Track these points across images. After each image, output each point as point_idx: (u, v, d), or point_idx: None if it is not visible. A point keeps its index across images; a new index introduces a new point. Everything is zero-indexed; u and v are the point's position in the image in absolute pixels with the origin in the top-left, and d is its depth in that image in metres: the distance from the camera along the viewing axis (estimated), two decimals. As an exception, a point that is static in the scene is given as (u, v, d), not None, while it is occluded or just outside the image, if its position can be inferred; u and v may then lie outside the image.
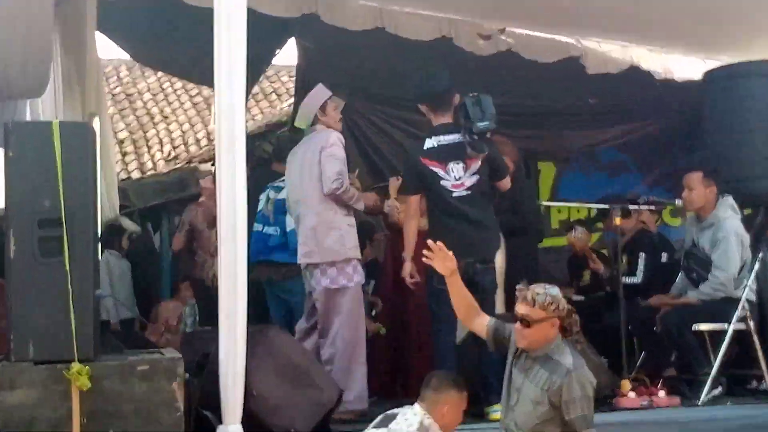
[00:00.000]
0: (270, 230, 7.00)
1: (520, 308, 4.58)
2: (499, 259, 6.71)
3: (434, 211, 6.12)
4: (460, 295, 4.88)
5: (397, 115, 8.79)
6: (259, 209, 7.13)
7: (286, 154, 6.68)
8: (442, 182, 6.00)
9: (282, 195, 6.87)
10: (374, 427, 4.74)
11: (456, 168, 6.01)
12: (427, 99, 6.18)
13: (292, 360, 5.60)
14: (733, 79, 7.21)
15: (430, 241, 4.79)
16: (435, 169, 6.00)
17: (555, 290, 4.60)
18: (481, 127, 5.99)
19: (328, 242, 6.17)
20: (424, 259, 4.83)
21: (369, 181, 7.87)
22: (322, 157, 6.18)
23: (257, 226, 7.07)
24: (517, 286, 4.73)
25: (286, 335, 5.92)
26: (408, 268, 6.16)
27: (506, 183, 6.31)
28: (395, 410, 4.80)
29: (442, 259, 4.74)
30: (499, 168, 6.22)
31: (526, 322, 4.53)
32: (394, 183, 7.15)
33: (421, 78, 6.23)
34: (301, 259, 6.34)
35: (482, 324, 4.90)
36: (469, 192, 6.02)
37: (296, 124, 6.63)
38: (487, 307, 5.87)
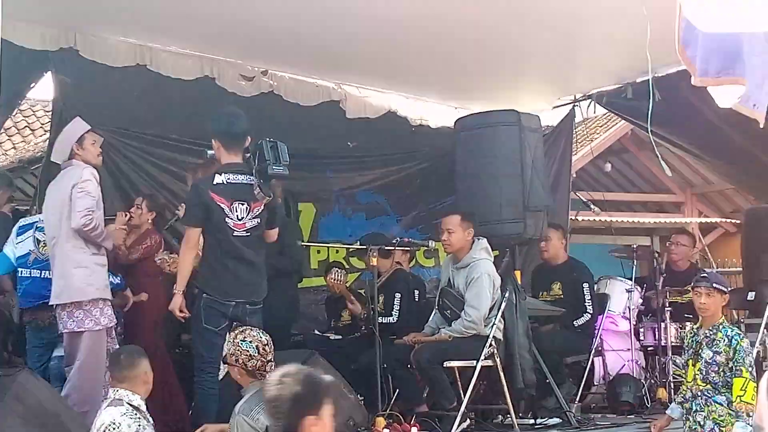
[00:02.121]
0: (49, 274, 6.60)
1: None
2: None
3: (212, 247, 6.10)
4: None
5: (156, 153, 8.68)
6: (25, 253, 6.75)
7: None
8: (227, 219, 6.00)
9: None
10: None
11: (240, 208, 6.02)
12: (222, 137, 6.13)
13: (42, 405, 5.44)
14: (482, 127, 7.61)
15: None
16: (222, 205, 5.99)
17: (246, 343, 5.12)
18: (276, 170, 6.05)
19: (75, 281, 6.07)
20: None
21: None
22: (74, 193, 6.07)
23: (35, 272, 6.67)
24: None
25: (36, 379, 5.72)
26: (178, 301, 6.05)
27: (275, 234, 6.37)
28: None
29: None
30: (276, 216, 6.31)
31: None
32: (122, 218, 7.15)
33: (221, 115, 6.19)
34: (53, 300, 6.17)
35: None
36: (248, 234, 6.05)
37: (52, 158, 6.44)
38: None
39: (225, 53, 8.08)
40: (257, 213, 6.09)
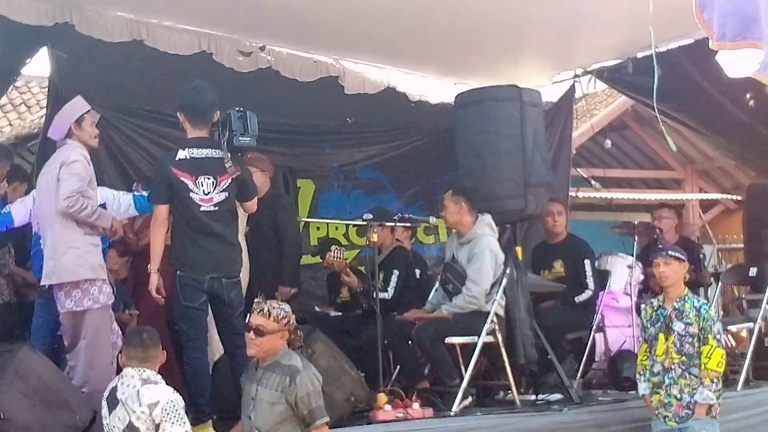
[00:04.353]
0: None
1: (256, 319, 5.05)
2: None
3: (180, 223, 6.03)
4: None
5: (154, 130, 8.62)
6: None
7: None
8: (191, 195, 5.93)
9: None
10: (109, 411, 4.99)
11: (206, 182, 5.95)
12: (188, 111, 6.07)
13: (43, 381, 5.42)
14: (482, 102, 7.51)
15: None
16: (185, 181, 5.92)
17: (287, 307, 5.16)
18: (242, 141, 6.01)
19: (65, 262, 5.89)
20: None
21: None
22: (61, 174, 5.92)
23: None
24: (256, 300, 5.18)
25: (37, 355, 5.67)
26: (155, 281, 6.00)
27: (253, 205, 6.34)
28: (113, 386, 5.07)
29: None
30: (248, 189, 6.24)
31: (260, 332, 5.01)
32: None
33: (187, 89, 6.10)
34: (44, 280, 6.04)
35: None
36: (217, 208, 5.99)
37: (49, 134, 6.35)
38: (237, 321, 5.92)
39: (222, 29, 8.00)
40: (225, 186, 6.01)
